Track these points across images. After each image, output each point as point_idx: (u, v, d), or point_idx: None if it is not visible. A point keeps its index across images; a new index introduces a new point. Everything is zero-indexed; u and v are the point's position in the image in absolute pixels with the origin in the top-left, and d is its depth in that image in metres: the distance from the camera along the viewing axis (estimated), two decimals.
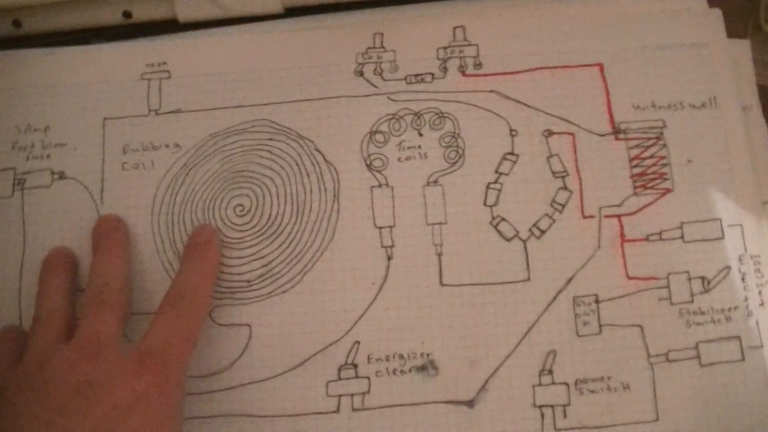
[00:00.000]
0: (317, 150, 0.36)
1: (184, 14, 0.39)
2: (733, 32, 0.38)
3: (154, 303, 0.33)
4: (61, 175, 0.37)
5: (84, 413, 0.28)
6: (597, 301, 0.34)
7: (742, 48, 0.38)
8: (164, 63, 0.38)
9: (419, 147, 0.36)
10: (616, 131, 0.36)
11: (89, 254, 0.35)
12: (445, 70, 0.37)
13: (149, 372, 0.29)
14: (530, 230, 0.35)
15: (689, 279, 0.34)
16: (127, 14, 0.40)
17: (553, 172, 0.36)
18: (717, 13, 0.38)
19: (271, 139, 0.37)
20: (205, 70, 0.38)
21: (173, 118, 0.37)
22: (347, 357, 0.34)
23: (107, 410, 0.28)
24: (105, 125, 0.37)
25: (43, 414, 0.28)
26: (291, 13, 0.40)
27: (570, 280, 0.34)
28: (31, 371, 0.29)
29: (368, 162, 0.36)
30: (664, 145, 0.36)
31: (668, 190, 0.35)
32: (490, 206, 0.35)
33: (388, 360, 0.34)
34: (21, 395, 0.28)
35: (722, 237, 0.35)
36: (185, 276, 0.33)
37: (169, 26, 0.40)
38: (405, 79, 0.37)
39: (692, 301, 0.34)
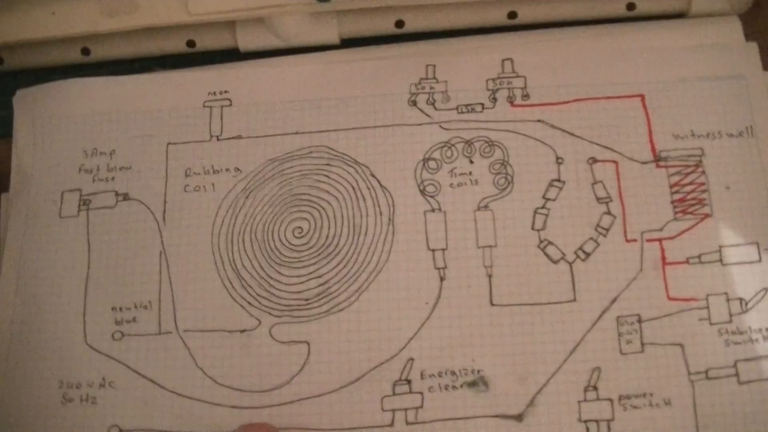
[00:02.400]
0: (373, 176, 0.38)
1: (245, 44, 0.41)
2: None
3: (215, 321, 0.36)
4: (125, 197, 0.39)
5: None
6: (640, 321, 0.35)
7: None
8: (226, 92, 0.40)
9: (470, 173, 0.38)
10: (658, 159, 0.38)
11: (151, 270, 0.37)
12: (494, 100, 0.39)
13: None
14: (576, 253, 0.36)
15: (728, 300, 0.35)
16: (191, 43, 0.42)
17: (598, 198, 0.37)
18: (753, 47, 0.39)
19: (328, 164, 0.38)
20: (264, 98, 0.40)
21: (234, 143, 0.39)
22: (401, 373, 0.35)
23: None
24: (168, 150, 0.39)
25: None
26: (346, 43, 0.41)
27: (614, 300, 0.36)
28: None
29: (422, 188, 0.38)
30: (703, 172, 0.37)
31: (707, 215, 0.37)
32: (538, 230, 0.37)
33: (440, 376, 0.35)
34: None
35: (759, 260, 0.36)
36: None
37: (231, 55, 0.42)
38: (456, 108, 0.39)
39: (731, 321, 0.35)
